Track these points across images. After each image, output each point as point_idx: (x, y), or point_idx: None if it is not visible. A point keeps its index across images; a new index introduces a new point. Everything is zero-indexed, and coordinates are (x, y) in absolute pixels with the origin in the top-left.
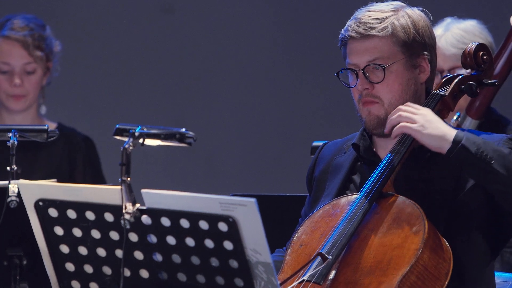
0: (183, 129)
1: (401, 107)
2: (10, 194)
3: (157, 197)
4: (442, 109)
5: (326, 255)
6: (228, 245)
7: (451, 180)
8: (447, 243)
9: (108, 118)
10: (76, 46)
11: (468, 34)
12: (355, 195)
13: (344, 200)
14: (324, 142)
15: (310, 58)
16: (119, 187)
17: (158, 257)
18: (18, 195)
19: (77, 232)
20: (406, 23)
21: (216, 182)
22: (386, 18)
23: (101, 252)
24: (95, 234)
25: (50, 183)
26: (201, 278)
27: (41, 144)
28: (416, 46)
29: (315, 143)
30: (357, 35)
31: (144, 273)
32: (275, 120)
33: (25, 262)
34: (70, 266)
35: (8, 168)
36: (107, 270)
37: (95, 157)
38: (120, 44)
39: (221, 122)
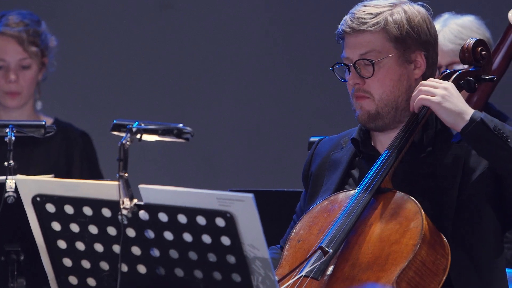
0: (181, 125)
1: (423, 82)
2: (7, 190)
3: (154, 192)
4: None
5: (327, 249)
6: (225, 240)
7: (456, 174)
8: (445, 239)
9: (106, 114)
10: (73, 42)
11: (465, 29)
12: (353, 191)
13: (342, 195)
14: (321, 137)
15: (308, 55)
16: (116, 182)
17: (156, 253)
18: (16, 190)
19: (74, 227)
20: (400, 19)
21: (213, 177)
22: (380, 13)
23: (99, 247)
24: (93, 229)
25: (48, 178)
26: (198, 274)
27: (38, 139)
28: (410, 42)
29: (312, 139)
30: (349, 29)
31: (142, 269)
32: (272, 116)
33: (22, 258)
34: (67, 262)
35: (6, 163)
36: (104, 265)
37: (92, 152)
38: (118, 40)
39: (219, 118)
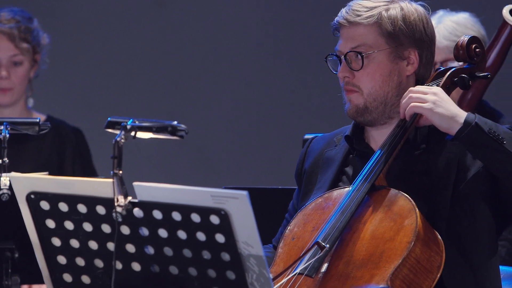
0: (175, 122)
1: (411, 88)
2: (1, 187)
3: (149, 190)
4: None
5: (323, 244)
6: (220, 238)
7: (450, 172)
8: (439, 236)
9: (100, 111)
10: (68, 40)
11: (460, 26)
12: (348, 188)
13: (336, 193)
14: (315, 135)
15: (302, 53)
16: (111, 180)
17: (150, 250)
18: (10, 188)
19: (69, 225)
20: (395, 15)
21: (208, 175)
22: (376, 7)
23: (93, 245)
24: (87, 227)
25: (42, 176)
26: (193, 271)
27: (30, 136)
28: (403, 38)
29: (307, 136)
30: (344, 21)
31: (136, 266)
32: (267, 113)
33: (17, 255)
34: (62, 259)
35: (0, 161)
36: (99, 263)
37: (85, 148)
38: (112, 38)
39: (213, 115)
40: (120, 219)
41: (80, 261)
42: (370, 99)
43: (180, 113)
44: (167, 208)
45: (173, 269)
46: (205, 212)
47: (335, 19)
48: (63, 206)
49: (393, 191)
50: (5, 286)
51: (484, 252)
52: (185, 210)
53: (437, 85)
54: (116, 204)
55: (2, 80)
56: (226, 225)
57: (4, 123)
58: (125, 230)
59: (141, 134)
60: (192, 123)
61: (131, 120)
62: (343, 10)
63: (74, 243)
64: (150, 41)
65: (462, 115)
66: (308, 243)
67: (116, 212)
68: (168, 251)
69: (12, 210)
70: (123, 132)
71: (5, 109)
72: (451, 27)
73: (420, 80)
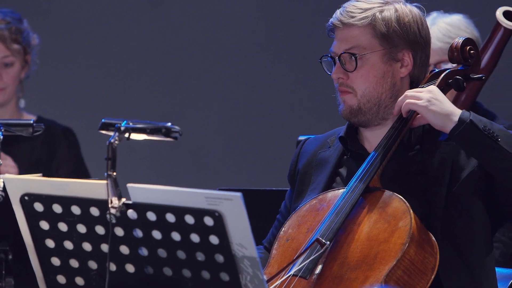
0: (169, 124)
1: (408, 90)
2: None
3: (143, 191)
4: None
5: (324, 241)
6: (214, 239)
7: (445, 172)
8: (433, 238)
9: (94, 112)
10: (61, 40)
11: (454, 28)
12: (342, 190)
13: (330, 194)
14: (309, 136)
15: (296, 54)
16: (105, 181)
17: (144, 252)
18: (4, 189)
19: (62, 226)
20: (389, 17)
21: (202, 176)
22: (370, 9)
23: (87, 246)
24: (81, 228)
25: (36, 177)
26: (186, 273)
27: (21, 136)
28: (397, 40)
29: (301, 138)
30: (338, 22)
31: (130, 268)
32: (261, 115)
33: (10, 257)
34: (55, 261)
35: None
36: (92, 264)
37: (76, 148)
38: (106, 38)
39: (207, 117)
40: (114, 221)
41: (74, 263)
42: (363, 100)
43: (174, 114)
44: (161, 209)
45: (167, 271)
46: (199, 213)
47: (330, 20)
48: (57, 208)
49: (387, 193)
50: None
51: (480, 251)
52: (179, 211)
53: None
54: (110, 205)
55: None
56: (220, 227)
57: None
58: (119, 231)
59: (135, 136)
60: (186, 124)
61: (125, 121)
62: (338, 12)
63: (68, 244)
64: (144, 42)
65: (456, 113)
66: (303, 244)
67: (110, 213)
68: (162, 252)
69: (6, 211)
70: (117, 134)
71: None
72: (445, 29)
73: (415, 81)
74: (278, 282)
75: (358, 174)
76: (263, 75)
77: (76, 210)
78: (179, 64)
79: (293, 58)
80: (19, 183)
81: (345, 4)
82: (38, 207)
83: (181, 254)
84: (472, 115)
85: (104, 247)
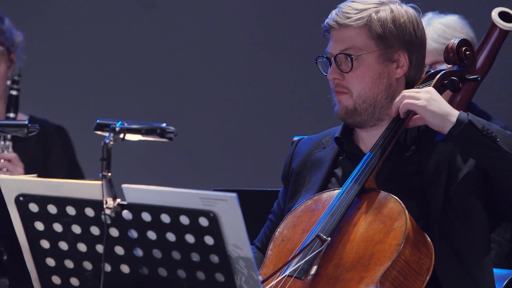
0: (164, 124)
1: (404, 90)
2: None
3: (137, 192)
4: None
5: (325, 237)
6: (209, 240)
7: (442, 173)
8: (429, 239)
9: (89, 113)
10: (56, 40)
11: (449, 29)
12: (337, 190)
13: (326, 195)
14: (301, 137)
15: (291, 53)
16: (99, 182)
17: (139, 252)
18: None
19: (57, 227)
20: (385, 17)
21: (197, 177)
22: (365, 9)
23: (82, 247)
24: (76, 229)
25: (31, 178)
26: (181, 273)
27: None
28: (393, 41)
29: (295, 138)
30: (334, 23)
31: (125, 268)
32: (256, 115)
33: (5, 257)
34: (50, 261)
35: None
36: (87, 265)
37: (69, 146)
38: (102, 38)
39: (202, 117)
40: (109, 221)
41: (69, 263)
42: (359, 101)
43: (169, 115)
44: (156, 210)
45: (162, 271)
46: (194, 214)
47: (325, 21)
48: (52, 208)
49: (383, 194)
50: None
51: (478, 252)
52: (174, 212)
53: None
54: (105, 206)
55: None
56: (215, 227)
57: None
58: (114, 232)
59: (130, 136)
60: (181, 125)
61: (120, 122)
62: (333, 12)
63: (63, 245)
64: (139, 43)
65: (454, 113)
66: (298, 245)
67: (105, 214)
68: (157, 253)
69: (0, 212)
70: (112, 134)
71: None
72: (440, 29)
73: (410, 82)
74: (273, 282)
75: (353, 175)
76: (258, 76)
77: (71, 210)
78: (175, 65)
79: (288, 59)
80: (14, 184)
81: (341, 5)
82: (33, 207)
83: (176, 255)
84: (470, 116)
85: (99, 248)
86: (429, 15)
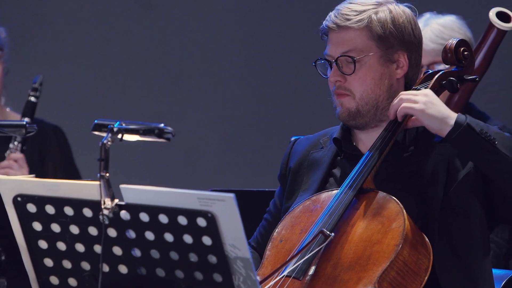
0: (162, 125)
1: (402, 92)
2: None
3: (135, 192)
4: None
5: (328, 232)
6: (206, 240)
7: (440, 173)
8: (427, 239)
9: (87, 113)
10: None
11: (447, 29)
12: (336, 190)
13: (324, 195)
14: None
15: (289, 53)
16: (97, 182)
17: (137, 253)
18: None
19: (55, 227)
20: (385, 18)
21: (195, 177)
22: (365, 11)
23: (80, 247)
24: (74, 229)
25: (29, 178)
26: (179, 274)
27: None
28: (393, 41)
29: (293, 138)
30: (333, 25)
31: (123, 269)
32: (254, 115)
33: (3, 258)
34: (48, 262)
35: None
36: (85, 265)
37: (66, 146)
38: (98, 39)
39: (200, 118)
40: (107, 222)
41: (66, 264)
42: (362, 103)
43: (167, 115)
44: (154, 210)
45: (160, 272)
46: (192, 214)
47: (324, 23)
48: (50, 209)
49: (381, 194)
50: None
51: (477, 252)
52: (172, 212)
53: (426, 88)
54: (103, 206)
55: None
56: (213, 228)
57: None
58: (112, 232)
59: (127, 137)
60: (179, 125)
61: (118, 122)
62: (332, 14)
63: (61, 245)
64: (137, 43)
65: (452, 116)
66: (296, 245)
67: (103, 214)
68: (155, 253)
69: None
70: (109, 135)
71: None
72: (438, 30)
73: (409, 82)
74: (272, 283)
75: (352, 175)
76: (255, 76)
77: (69, 211)
78: (172, 65)
79: (286, 59)
80: (11, 184)
81: (338, 7)
82: (31, 208)
83: (174, 255)
84: (468, 118)
85: (97, 248)
86: (427, 15)
